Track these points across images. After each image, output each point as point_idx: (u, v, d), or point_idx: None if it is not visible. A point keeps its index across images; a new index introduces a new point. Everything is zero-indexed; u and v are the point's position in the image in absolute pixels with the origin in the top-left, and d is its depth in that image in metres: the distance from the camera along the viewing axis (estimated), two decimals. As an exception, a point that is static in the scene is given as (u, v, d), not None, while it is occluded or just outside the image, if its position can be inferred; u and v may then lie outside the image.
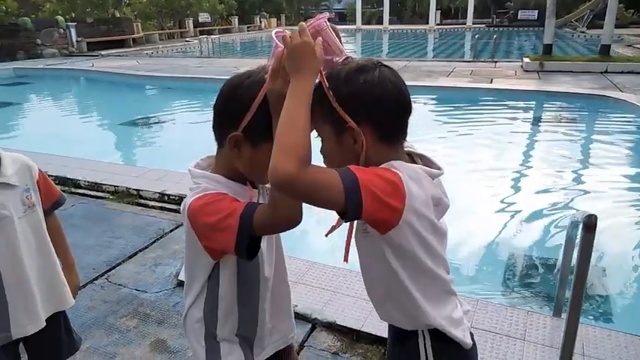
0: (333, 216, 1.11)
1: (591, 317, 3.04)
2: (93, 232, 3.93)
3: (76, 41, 20.50)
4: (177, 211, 4.12)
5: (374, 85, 1.05)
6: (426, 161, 1.15)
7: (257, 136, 1.11)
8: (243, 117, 1.11)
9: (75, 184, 4.96)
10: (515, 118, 9.04)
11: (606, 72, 11.88)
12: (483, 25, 34.63)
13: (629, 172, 6.09)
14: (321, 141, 1.13)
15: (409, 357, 1.20)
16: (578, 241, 2.21)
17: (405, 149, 1.15)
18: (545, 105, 9.74)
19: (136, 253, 3.60)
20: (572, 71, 12.09)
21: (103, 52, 19.68)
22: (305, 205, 1.04)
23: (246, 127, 1.11)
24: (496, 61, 14.64)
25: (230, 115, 1.14)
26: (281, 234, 1.31)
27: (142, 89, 13.16)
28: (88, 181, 4.95)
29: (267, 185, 1.21)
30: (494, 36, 17.67)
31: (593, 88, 9.93)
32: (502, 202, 5.01)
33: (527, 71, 12.49)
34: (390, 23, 36.34)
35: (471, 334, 1.22)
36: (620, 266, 3.73)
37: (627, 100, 8.70)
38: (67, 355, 1.87)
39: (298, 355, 2.43)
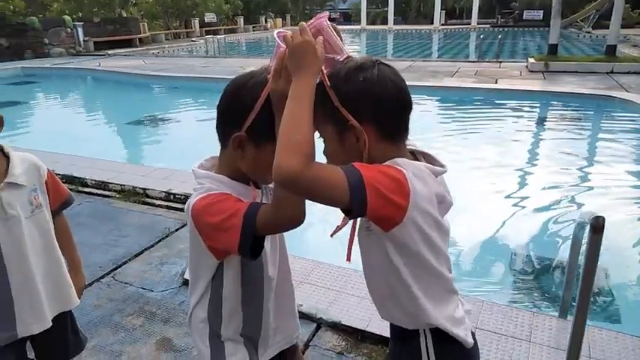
0: (338, 216, 1.12)
1: (598, 319, 3.02)
2: (99, 230, 3.95)
3: (83, 41, 20.61)
4: (183, 210, 4.06)
5: (373, 82, 1.06)
6: (429, 159, 1.16)
7: (260, 137, 1.12)
8: (246, 117, 1.11)
9: (82, 182, 4.99)
10: (520, 119, 9.02)
11: (612, 72, 11.82)
12: (488, 26, 34.53)
13: (635, 172, 6.06)
14: (324, 141, 1.14)
15: (410, 356, 1.20)
16: (584, 241, 2.21)
17: (408, 147, 1.16)
18: (550, 105, 9.70)
19: (142, 252, 3.61)
20: (577, 72, 12.03)
21: (109, 52, 19.77)
22: (309, 205, 1.05)
23: (249, 127, 1.12)
24: (501, 62, 14.59)
25: (233, 115, 1.14)
26: (286, 233, 1.31)
27: (149, 89, 13.21)
28: (95, 180, 4.98)
29: (271, 185, 1.22)
30: (499, 36, 17.59)
31: (599, 89, 9.88)
32: (507, 201, 4.99)
33: (532, 71, 12.44)
34: (394, 23, 36.29)
35: (473, 334, 1.22)
36: (627, 267, 3.71)
37: (633, 100, 8.66)
38: (74, 355, 1.88)
39: (303, 354, 2.44)
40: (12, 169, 1.57)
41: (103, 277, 3.28)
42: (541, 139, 7.90)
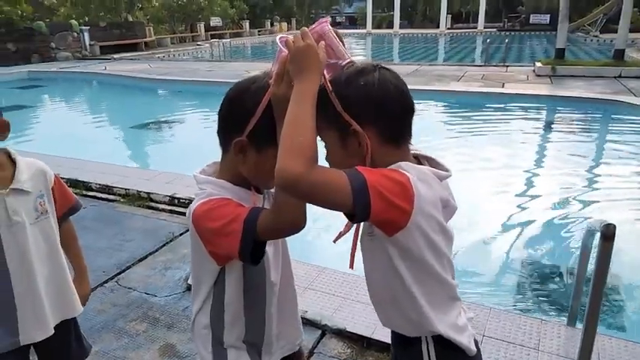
0: (343, 221, 1.10)
1: (607, 327, 2.98)
2: (104, 234, 3.95)
3: (90, 45, 20.78)
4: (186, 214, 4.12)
5: (375, 86, 1.05)
6: (433, 163, 1.15)
7: (262, 142, 1.11)
8: (248, 122, 1.11)
9: (86, 186, 4.99)
10: (527, 123, 8.96)
11: (620, 77, 11.74)
12: (494, 30, 34.49)
13: (643, 178, 5.99)
14: (326, 147, 1.13)
15: None
16: (594, 248, 2.17)
17: (412, 151, 1.14)
18: (557, 110, 9.64)
19: (146, 257, 3.60)
20: (585, 76, 11.96)
21: (115, 56, 19.91)
22: (314, 211, 1.03)
23: (250, 132, 1.11)
24: (508, 66, 14.55)
25: (235, 120, 1.14)
26: (290, 239, 1.29)
27: (154, 92, 13.27)
28: (100, 184, 4.98)
29: (272, 190, 1.21)
30: (506, 40, 17.56)
31: (607, 93, 9.82)
32: (514, 207, 4.95)
33: (539, 76, 12.39)
34: (400, 27, 36.32)
35: (476, 342, 1.20)
36: (636, 274, 3.66)
37: (642, 105, 8.59)
38: (77, 362, 1.86)
39: (308, 361, 2.41)
40: (18, 175, 1.56)
41: (106, 281, 3.26)
42: (548, 144, 7.84)
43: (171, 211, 4.38)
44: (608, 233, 1.90)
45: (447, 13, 35.97)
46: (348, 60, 1.10)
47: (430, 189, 1.04)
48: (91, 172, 5.33)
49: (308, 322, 2.64)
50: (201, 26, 29.67)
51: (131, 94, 13.08)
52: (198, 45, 25.38)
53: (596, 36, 24.30)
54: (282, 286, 1.31)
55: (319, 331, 2.64)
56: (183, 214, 4.24)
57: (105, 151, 7.42)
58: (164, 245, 3.77)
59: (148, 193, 4.69)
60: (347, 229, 1.16)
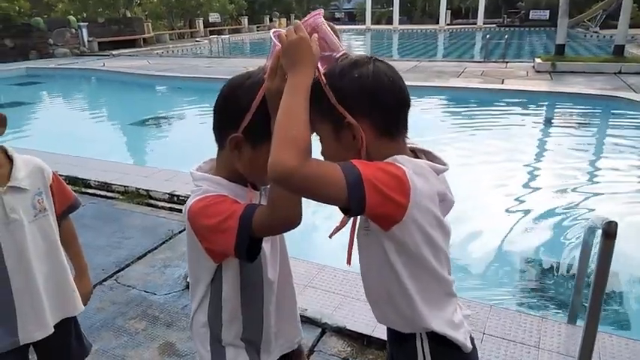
0: (341, 217, 1.09)
1: (608, 325, 2.97)
2: (103, 232, 3.94)
3: (88, 41, 20.66)
4: (186, 212, 4.11)
5: (369, 79, 1.04)
6: (430, 157, 1.13)
7: (257, 137, 1.11)
8: (243, 118, 1.10)
9: (85, 183, 4.97)
10: (527, 120, 8.95)
11: (620, 73, 11.73)
12: (494, 25, 34.41)
13: (643, 174, 5.99)
14: (321, 141, 1.12)
15: (407, 357, 1.17)
16: (595, 246, 2.16)
17: (409, 145, 1.13)
18: (557, 106, 9.62)
19: (145, 254, 3.59)
20: (584, 72, 11.94)
21: (114, 52, 19.82)
22: (314, 208, 1.02)
23: (246, 127, 1.11)
24: (507, 62, 14.51)
25: (230, 116, 1.13)
26: (290, 237, 1.29)
27: (153, 89, 13.22)
28: (99, 181, 4.96)
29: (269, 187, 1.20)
30: (505, 36, 17.51)
31: (607, 89, 9.80)
32: (514, 203, 4.94)
33: (539, 72, 12.37)
34: (399, 23, 36.19)
35: (472, 339, 1.19)
36: (637, 271, 3.65)
37: (642, 101, 8.58)
38: (77, 361, 1.85)
39: (308, 359, 2.40)
40: (15, 172, 1.55)
41: (105, 279, 3.25)
42: (548, 140, 7.83)
43: (170, 209, 4.37)
44: (610, 231, 1.89)
45: (447, 9, 35.80)
46: (342, 52, 1.09)
47: (427, 182, 1.03)
48: (89, 169, 5.32)
49: (308, 320, 2.63)
50: (200, 22, 29.53)
51: (130, 91, 13.04)
52: (196, 41, 25.26)
53: (595, 32, 24.24)
54: (280, 283, 1.30)
55: (319, 330, 2.64)
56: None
57: (104, 148, 7.40)
58: (163, 243, 3.76)
59: (147, 191, 4.68)
60: (343, 223, 1.16)
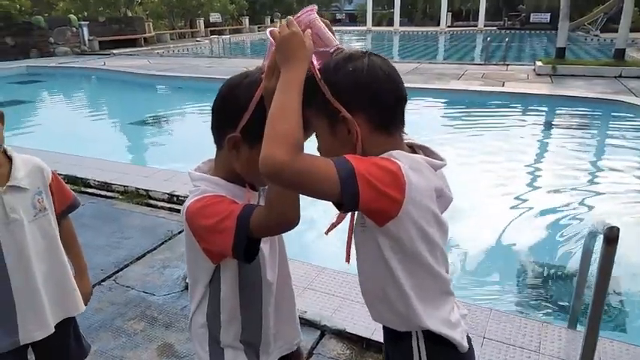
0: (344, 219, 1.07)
1: (608, 330, 2.96)
2: (102, 232, 3.93)
3: (88, 40, 20.64)
4: (186, 212, 4.10)
5: (363, 72, 1.03)
6: (428, 152, 1.12)
7: (254, 137, 1.09)
8: (241, 117, 1.10)
9: (85, 183, 4.96)
10: (527, 123, 8.94)
11: (620, 76, 11.72)
12: (495, 28, 34.36)
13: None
14: (316, 136, 1.12)
15: (403, 356, 1.16)
16: (596, 251, 2.16)
17: (406, 141, 1.12)
18: (558, 109, 9.62)
19: (144, 255, 3.58)
20: (585, 75, 11.94)
21: (114, 51, 19.80)
22: (313, 210, 1.01)
23: (244, 127, 1.10)
24: (508, 64, 14.50)
25: (228, 115, 1.13)
26: (289, 238, 1.29)
27: (153, 89, 13.21)
28: (98, 181, 4.95)
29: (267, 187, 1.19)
30: (506, 39, 17.51)
31: (607, 93, 9.80)
32: (514, 207, 4.93)
33: (539, 75, 12.36)
34: (400, 25, 36.18)
35: (469, 338, 1.18)
36: (638, 276, 3.64)
37: (642, 105, 8.57)
38: (75, 362, 1.84)
39: (307, 362, 2.39)
40: (15, 172, 1.55)
41: (104, 280, 3.24)
42: (548, 144, 7.82)
43: (169, 209, 4.36)
44: (612, 236, 1.88)
45: (448, 11, 35.82)
46: (336, 47, 1.09)
47: (423, 178, 1.02)
48: (89, 168, 5.30)
49: (307, 323, 2.62)
50: (201, 22, 29.52)
51: (130, 90, 13.02)
52: (197, 41, 25.25)
53: (596, 35, 24.25)
54: (279, 284, 1.30)
55: (318, 332, 2.63)
56: (182, 211, 4.22)
57: (103, 147, 7.38)
58: (162, 243, 3.75)
59: (147, 191, 4.67)
60: (339, 220, 1.15)
